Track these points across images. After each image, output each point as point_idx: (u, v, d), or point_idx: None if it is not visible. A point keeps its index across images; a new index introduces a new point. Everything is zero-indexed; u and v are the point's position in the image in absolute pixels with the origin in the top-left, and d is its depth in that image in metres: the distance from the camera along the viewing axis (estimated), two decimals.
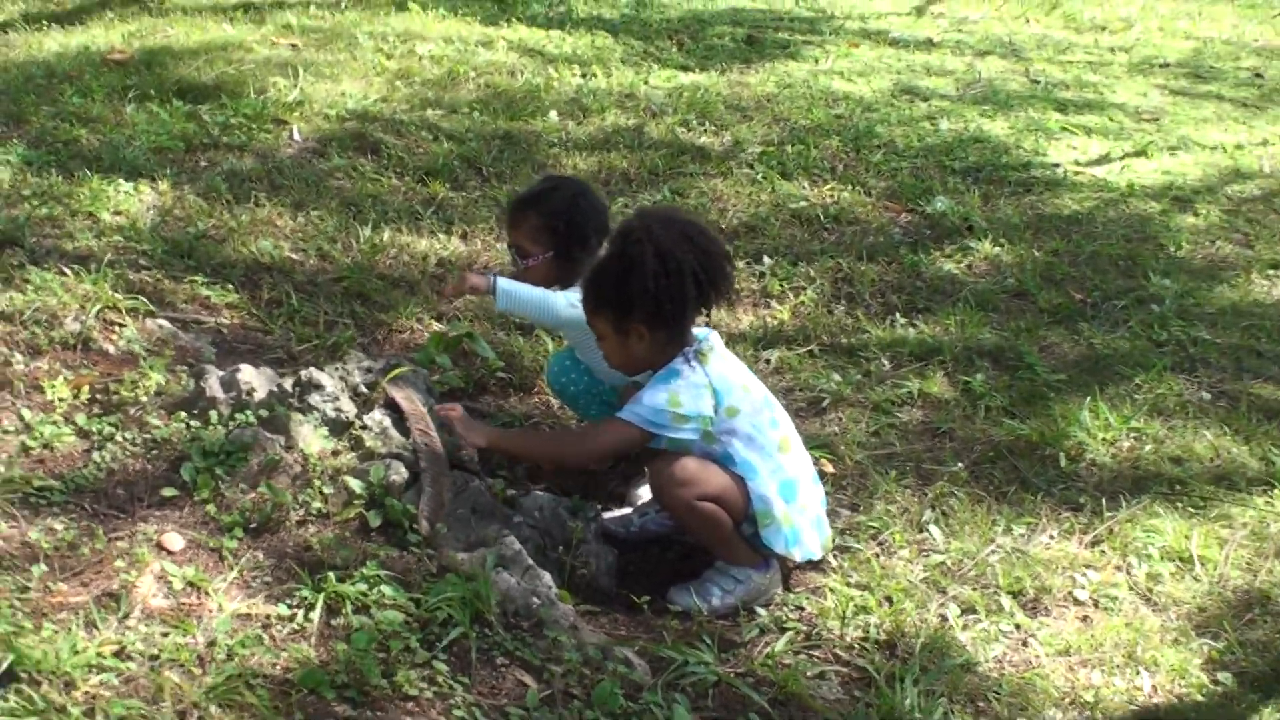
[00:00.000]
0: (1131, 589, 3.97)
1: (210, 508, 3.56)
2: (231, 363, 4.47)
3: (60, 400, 3.93)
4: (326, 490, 3.66)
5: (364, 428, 3.85)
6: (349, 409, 3.91)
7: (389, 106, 7.08)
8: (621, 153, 6.87)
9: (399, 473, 3.70)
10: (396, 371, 4.05)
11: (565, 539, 3.84)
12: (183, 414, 3.89)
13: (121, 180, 5.68)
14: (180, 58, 7.48)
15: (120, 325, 4.49)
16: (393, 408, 3.99)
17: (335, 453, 3.79)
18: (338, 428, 3.86)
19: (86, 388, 4.01)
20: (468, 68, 7.84)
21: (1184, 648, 3.72)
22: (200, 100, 6.83)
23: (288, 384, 3.96)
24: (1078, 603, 3.91)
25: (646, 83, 8.13)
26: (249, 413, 3.84)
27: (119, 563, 3.30)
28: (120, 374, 4.14)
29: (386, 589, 3.34)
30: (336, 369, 4.09)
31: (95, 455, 3.72)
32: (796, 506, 3.78)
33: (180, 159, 6.13)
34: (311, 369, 4.01)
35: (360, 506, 3.64)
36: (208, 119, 6.54)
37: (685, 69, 8.59)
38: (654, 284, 3.57)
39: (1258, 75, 10.65)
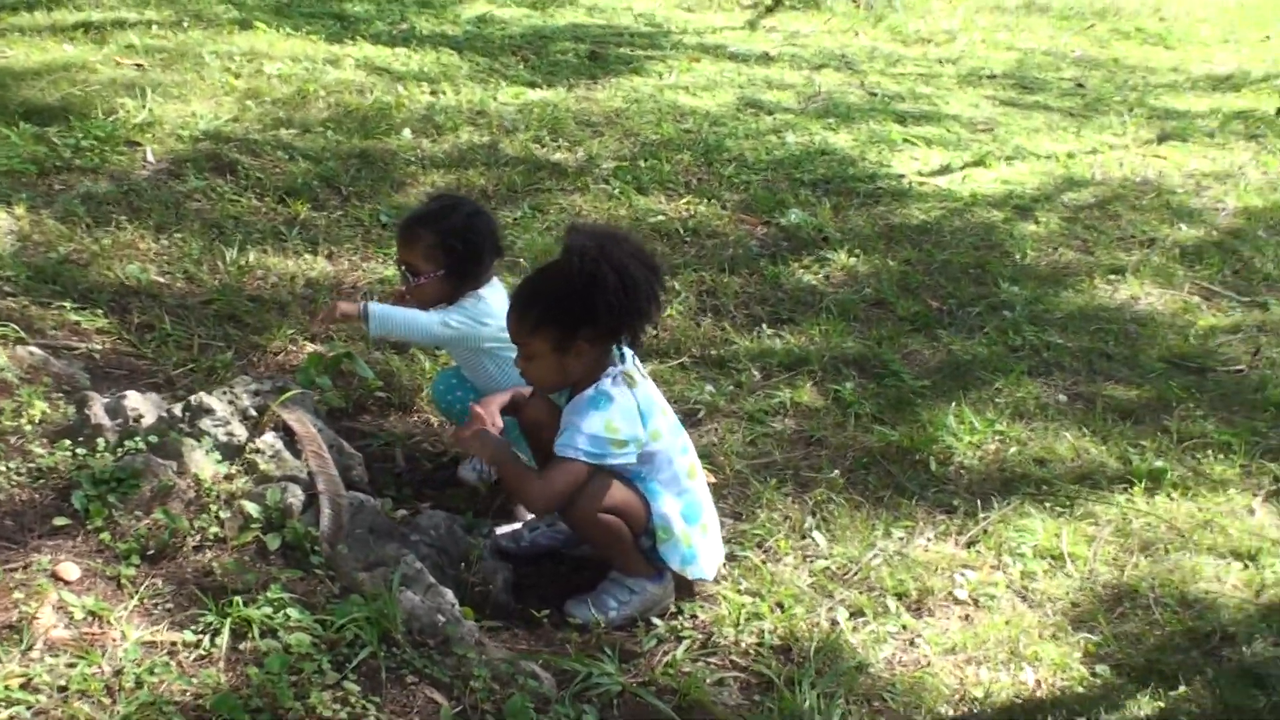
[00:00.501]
0: (1008, 587, 4.12)
1: (105, 536, 3.53)
2: (107, 388, 4.44)
3: None
4: (223, 515, 3.65)
5: (257, 451, 3.85)
6: (240, 433, 3.90)
7: (241, 127, 7.02)
8: (479, 169, 6.91)
9: (295, 495, 3.71)
10: (287, 395, 4.05)
11: (462, 556, 3.88)
12: (67, 442, 3.84)
13: None
14: (22, 78, 7.33)
15: None
16: (284, 430, 3.99)
17: (229, 477, 3.78)
18: (230, 452, 3.85)
19: None
20: (317, 86, 7.81)
21: (1063, 642, 3.87)
22: (47, 122, 6.70)
23: (177, 409, 3.93)
24: (958, 602, 4.05)
25: (495, 99, 8.17)
26: (138, 439, 3.81)
27: (16, 594, 3.27)
28: None
29: (292, 611, 3.35)
30: (224, 393, 4.07)
31: None
32: (697, 528, 3.86)
33: (33, 182, 6.02)
34: (201, 394, 3.99)
35: (258, 530, 3.63)
36: (58, 141, 6.43)
37: (533, 85, 8.64)
38: (615, 300, 3.57)
39: (1079, 85, 11.04)
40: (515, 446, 4.00)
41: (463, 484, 4.47)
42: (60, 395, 4.21)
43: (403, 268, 4.33)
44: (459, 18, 10.42)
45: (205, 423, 3.88)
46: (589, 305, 3.61)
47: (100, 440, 3.82)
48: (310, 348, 5.04)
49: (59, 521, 3.55)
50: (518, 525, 4.23)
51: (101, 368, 4.65)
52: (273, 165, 6.59)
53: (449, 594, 3.59)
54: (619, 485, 3.72)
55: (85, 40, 8.22)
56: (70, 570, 3.42)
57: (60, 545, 3.50)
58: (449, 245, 4.22)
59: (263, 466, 3.79)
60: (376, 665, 3.25)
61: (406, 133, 7.28)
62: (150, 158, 6.49)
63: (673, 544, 3.79)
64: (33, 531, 3.55)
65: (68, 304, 4.91)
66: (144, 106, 7.03)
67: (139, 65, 7.78)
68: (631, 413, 3.71)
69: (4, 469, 3.73)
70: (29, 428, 3.90)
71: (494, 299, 4.34)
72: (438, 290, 4.27)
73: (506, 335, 4.29)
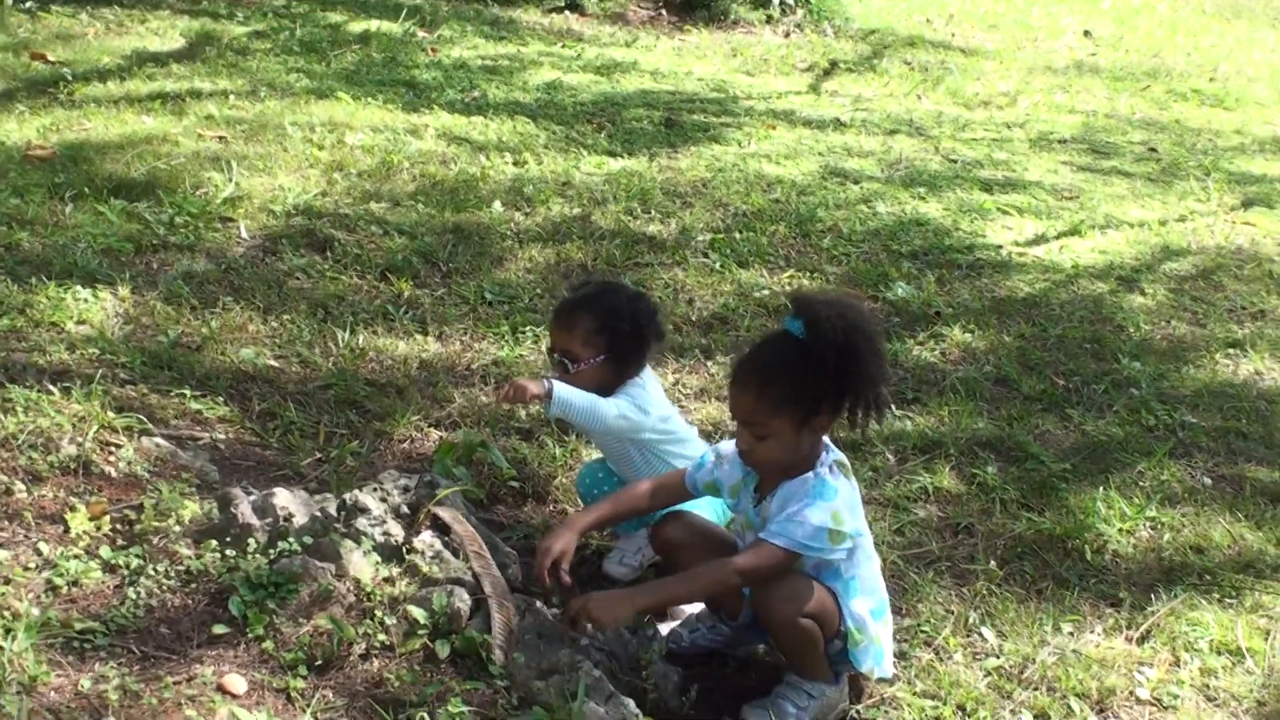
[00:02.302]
0: (1190, 685, 3.94)
1: (267, 644, 3.38)
2: (236, 481, 4.29)
3: (83, 533, 3.70)
4: (387, 621, 3.49)
5: (416, 552, 3.68)
6: (396, 532, 3.74)
7: (330, 201, 6.90)
8: (575, 243, 6.77)
9: (462, 600, 3.54)
10: (445, 492, 3.88)
11: (632, 660, 3.70)
12: (214, 543, 3.69)
13: (78, 287, 5.43)
14: (105, 152, 7.22)
15: (117, 446, 4.26)
16: (439, 528, 3.83)
17: (390, 580, 3.61)
18: (388, 552, 3.69)
19: (106, 518, 3.79)
20: (400, 157, 7.69)
21: None
22: (135, 198, 6.58)
23: (331, 508, 3.77)
24: (1140, 702, 3.87)
25: (579, 169, 8.05)
26: (291, 540, 3.65)
27: (190, 712, 3.11)
28: (129, 498, 3.93)
29: None
30: (374, 489, 3.90)
31: (130, 592, 3.52)
32: (883, 624, 3.70)
33: (130, 261, 5.89)
34: (355, 492, 3.83)
35: (424, 636, 3.48)
36: (150, 218, 6.30)
37: (612, 154, 8.52)
38: (870, 370, 3.43)
39: (1152, 150, 10.91)
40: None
41: (611, 579, 4.29)
42: (193, 491, 4.05)
43: (556, 355, 4.17)
44: (527, 84, 10.33)
45: (361, 522, 3.72)
46: (840, 377, 3.43)
47: (250, 541, 3.68)
48: (435, 435, 4.88)
49: (218, 630, 3.41)
50: (675, 624, 4.05)
51: (227, 459, 4.50)
52: (368, 241, 6.45)
53: (630, 704, 3.42)
54: (818, 587, 3.55)
55: (163, 111, 8.11)
56: (237, 683, 3.27)
57: (222, 655, 3.35)
58: (612, 329, 4.06)
59: (424, 568, 3.63)
60: None
61: (497, 205, 7.14)
62: (244, 234, 6.36)
63: (865, 647, 3.62)
64: (190, 640, 3.40)
65: (187, 391, 4.76)
66: (230, 180, 6.91)
67: (221, 138, 7.67)
68: (855, 505, 3.57)
69: (153, 573, 3.59)
70: (177, 528, 3.74)
71: (653, 387, 4.19)
72: (596, 378, 4.12)
73: (665, 426, 4.16)
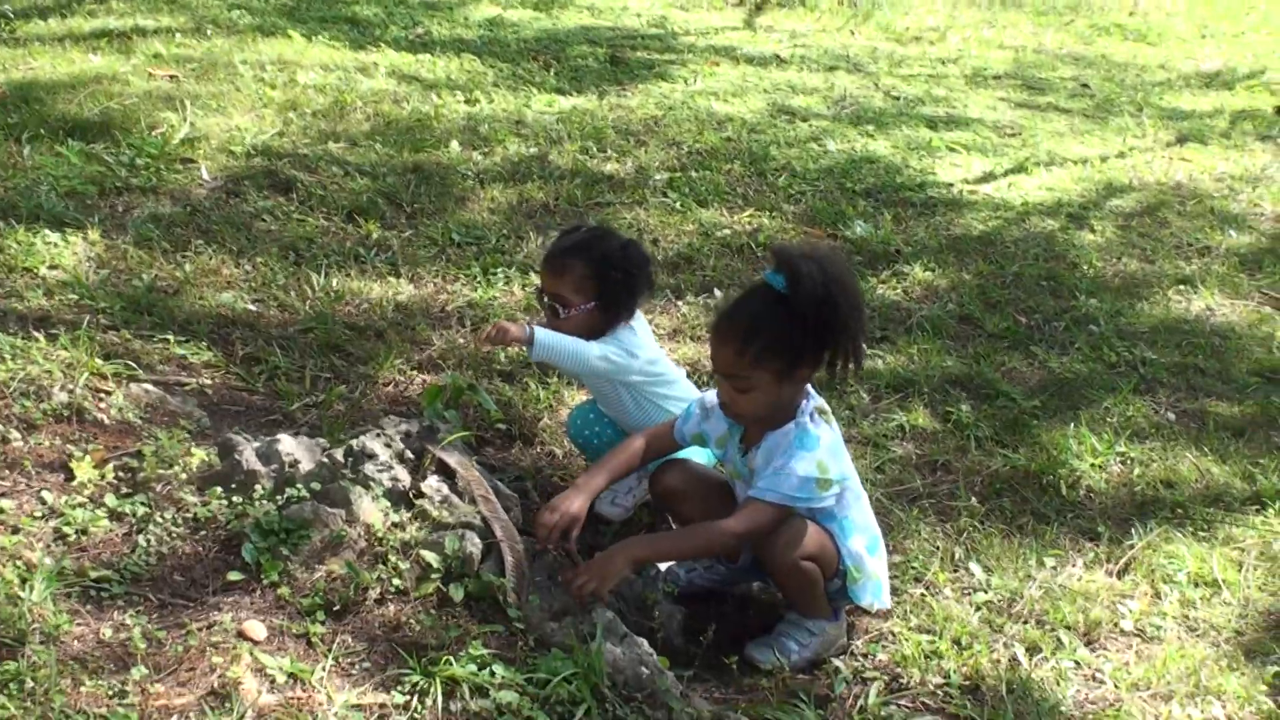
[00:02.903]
0: (1171, 617, 4.07)
1: (283, 590, 3.41)
2: (223, 426, 4.31)
3: (87, 481, 3.71)
4: (401, 565, 3.53)
5: (424, 497, 3.73)
6: (404, 478, 3.78)
7: (288, 141, 6.86)
8: (535, 183, 6.79)
9: (474, 544, 3.59)
10: (451, 438, 3.93)
11: (637, 600, 3.78)
12: (219, 490, 3.71)
13: (46, 230, 5.38)
14: (55, 92, 7.12)
15: (106, 392, 4.26)
16: (443, 472, 3.88)
17: (400, 525, 3.65)
18: (395, 498, 3.72)
19: (109, 466, 3.80)
20: (353, 96, 7.65)
21: (1240, 674, 3.82)
22: (91, 139, 6.51)
23: (338, 454, 3.80)
24: (1125, 633, 3.99)
25: (530, 107, 8.05)
26: (299, 486, 3.68)
27: (215, 659, 3.14)
28: (125, 445, 3.94)
29: (497, 668, 3.24)
30: (377, 435, 3.93)
31: (140, 540, 3.53)
32: (879, 558, 3.79)
33: (95, 204, 5.84)
34: (361, 437, 3.86)
35: (438, 580, 3.52)
36: (110, 160, 6.24)
37: (561, 92, 8.53)
38: (849, 322, 3.46)
39: (1084, 86, 11.06)
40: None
41: (604, 520, 4.35)
42: (188, 437, 4.06)
43: (545, 299, 4.20)
44: (469, 20, 10.28)
45: (368, 468, 3.75)
46: (822, 330, 3.46)
47: (257, 488, 3.69)
48: (419, 378, 4.91)
49: (233, 576, 3.44)
50: (671, 564, 4.13)
51: (215, 404, 4.51)
52: (330, 181, 6.43)
53: (644, 644, 3.49)
54: (814, 529, 3.63)
55: (110, 50, 8.01)
56: (257, 629, 3.31)
57: (238, 602, 3.38)
58: (604, 275, 4.09)
59: (434, 513, 3.67)
60: None
61: (455, 145, 7.14)
62: (206, 175, 6.32)
63: (863, 583, 3.72)
64: (205, 587, 3.43)
65: (170, 337, 4.75)
66: (185, 120, 6.84)
67: (172, 76, 7.59)
68: (839, 450, 3.64)
69: (161, 520, 3.61)
70: (181, 475, 3.75)
71: (643, 331, 4.24)
72: (586, 323, 4.15)
73: (654, 369, 4.22)
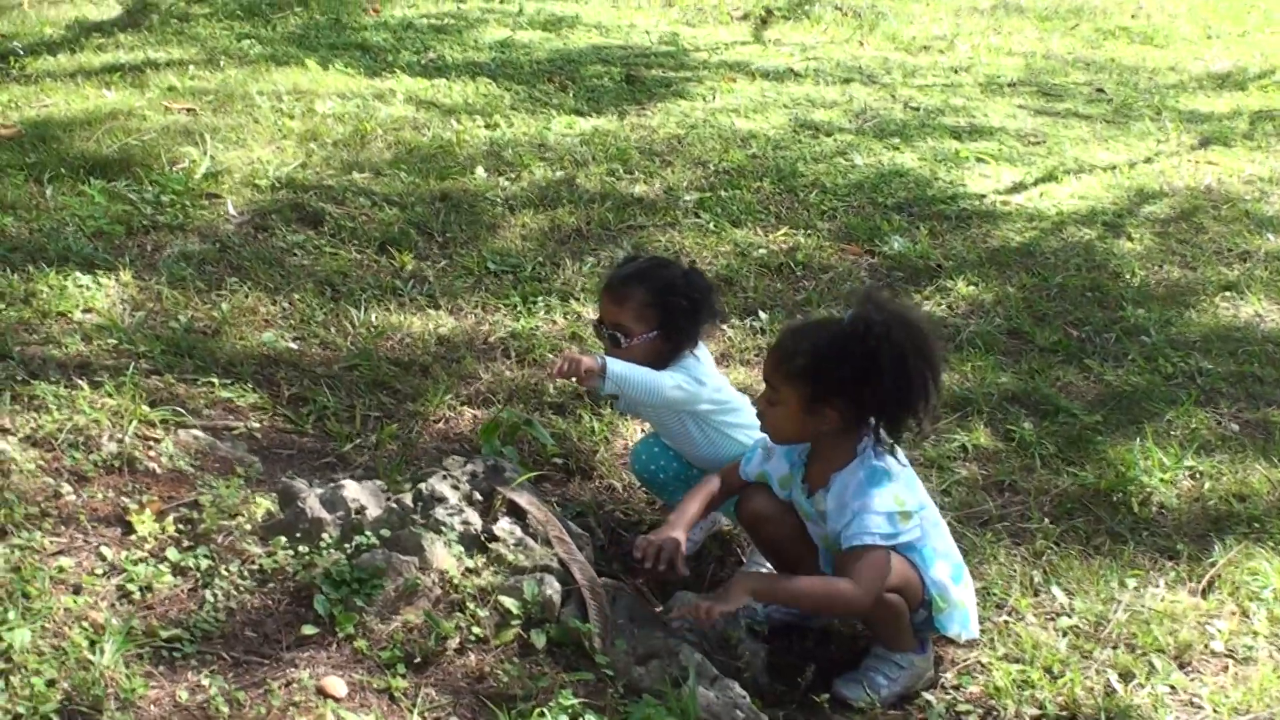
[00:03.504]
0: (1262, 636, 3.96)
1: (360, 644, 3.30)
2: (280, 470, 4.20)
3: (148, 535, 3.59)
4: (480, 613, 3.42)
5: (497, 540, 3.61)
6: (475, 521, 3.66)
7: (311, 173, 6.75)
8: (566, 208, 6.68)
9: (553, 587, 3.48)
10: (522, 478, 3.81)
11: (719, 639, 3.66)
12: (283, 539, 3.60)
13: (77, 273, 5.26)
14: (71, 130, 7.01)
15: (155, 440, 4.15)
16: (514, 514, 3.76)
17: (473, 570, 3.53)
18: (468, 542, 3.60)
19: (170, 518, 3.68)
20: (373, 124, 7.55)
21: None
22: (113, 176, 6.40)
23: (407, 499, 3.68)
24: (1215, 655, 3.89)
25: (550, 129, 7.94)
26: (368, 534, 3.56)
27: (300, 719, 3.02)
28: (180, 495, 3.83)
29: (590, 718, 3.13)
30: (443, 476, 3.81)
31: (206, 594, 3.42)
32: (963, 586, 3.68)
33: (124, 244, 5.72)
34: (431, 480, 3.74)
35: (518, 627, 3.41)
36: (135, 198, 6.13)
37: (580, 114, 8.43)
38: (887, 386, 3.41)
39: (1100, 91, 10.95)
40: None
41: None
42: (244, 484, 3.94)
43: (605, 329, 4.08)
44: (479, 43, 10.18)
45: (439, 512, 3.64)
46: (855, 380, 3.42)
47: (324, 536, 3.58)
48: (469, 413, 4.79)
49: (307, 630, 3.33)
50: (749, 600, 4.00)
51: (266, 448, 4.39)
52: (359, 213, 6.32)
53: (735, 686, 3.38)
54: (898, 560, 3.53)
55: (123, 84, 7.91)
56: (337, 685, 3.20)
57: (314, 657, 3.27)
58: (666, 303, 3.97)
59: (509, 557, 3.56)
60: None
61: (480, 170, 7.03)
62: (233, 210, 6.21)
63: (950, 613, 3.62)
64: (279, 643, 3.32)
65: (215, 380, 4.63)
66: (206, 154, 6.73)
67: (189, 110, 7.48)
68: (912, 480, 3.58)
69: (226, 574, 3.49)
70: (246, 526, 3.63)
71: (706, 359, 4.13)
72: (648, 353, 4.03)
73: (720, 397, 4.10)
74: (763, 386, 3.66)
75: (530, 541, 3.64)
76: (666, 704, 3.20)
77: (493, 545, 3.59)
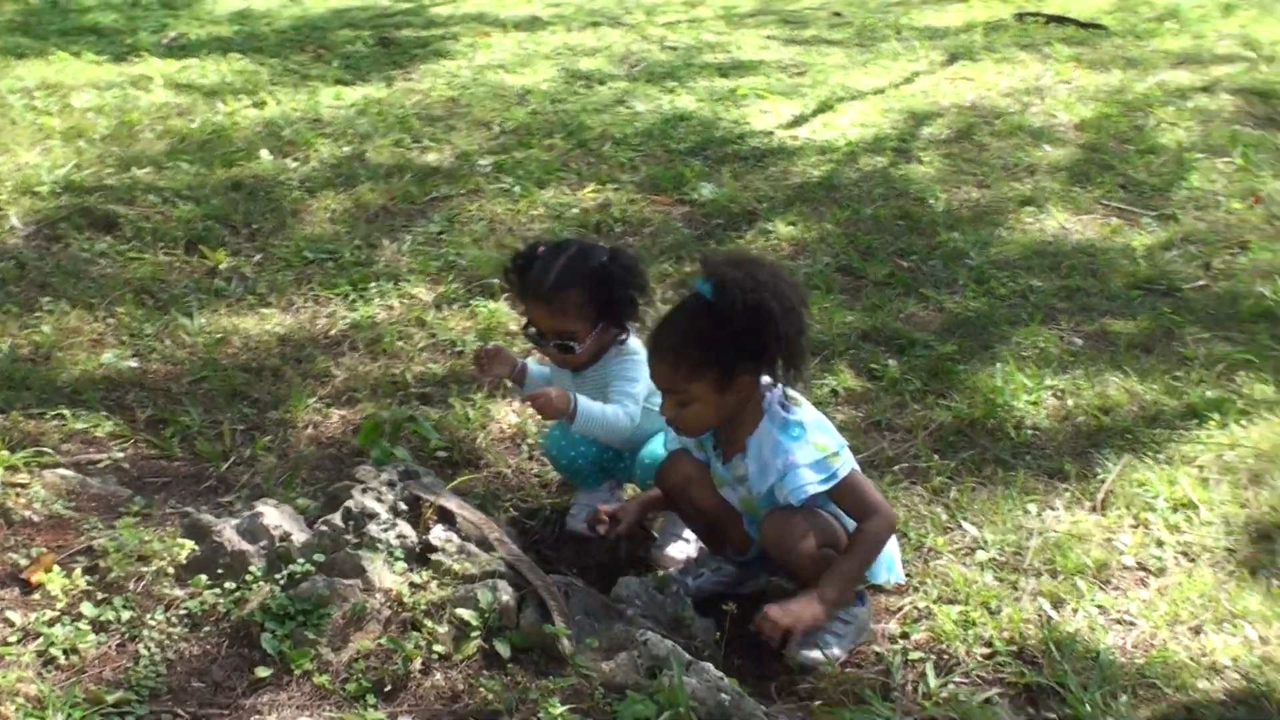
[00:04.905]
0: (1167, 546, 4.08)
1: (322, 679, 3.13)
2: (164, 502, 3.95)
3: (59, 592, 3.34)
4: (438, 629, 3.28)
5: (437, 550, 3.47)
6: (409, 533, 3.51)
7: (89, 174, 6.38)
8: (365, 185, 6.47)
9: (507, 592, 3.36)
10: (461, 480, 3.67)
11: (672, 620, 3.59)
12: (203, 578, 3.38)
13: None
14: None
15: (22, 485, 3.85)
16: (443, 520, 3.62)
17: (419, 585, 3.39)
18: (408, 556, 3.45)
19: (77, 571, 3.42)
20: (137, 115, 7.18)
21: (1254, 593, 3.85)
22: None
23: (336, 519, 3.51)
24: (1128, 569, 3.99)
25: (320, 102, 7.67)
26: (301, 561, 3.38)
27: None
28: (69, 543, 3.57)
29: None
30: (363, 489, 3.64)
31: (139, 649, 3.19)
32: None
33: None
34: (357, 497, 3.57)
35: (478, 638, 3.28)
36: None
37: (344, 83, 8.19)
38: (783, 328, 3.35)
39: (837, 14, 11.15)
40: None
41: (576, 536, 4.15)
42: (134, 521, 3.69)
43: (550, 340, 3.90)
44: (214, 15, 9.76)
45: (372, 529, 3.47)
46: (755, 339, 3.38)
47: (251, 569, 3.38)
48: (336, 414, 4.60)
49: (261, 672, 3.13)
50: (671, 572, 3.96)
51: (137, 479, 4.14)
52: (154, 212, 6.00)
53: (710, 667, 3.32)
54: (824, 516, 3.55)
55: None
56: None
57: (275, 700, 3.10)
58: (602, 294, 3.85)
59: (455, 566, 3.42)
60: None
61: (264, 154, 6.75)
62: (16, 222, 5.82)
63: (878, 559, 3.64)
64: (233, 690, 3.13)
65: (65, 411, 4.34)
66: None
67: None
68: (824, 424, 3.57)
69: (152, 623, 3.26)
70: (158, 568, 3.41)
71: (634, 341, 4.03)
72: (599, 343, 3.94)
73: (650, 383, 4.01)
74: None
75: (471, 547, 3.50)
76: (654, 697, 3.12)
77: (434, 556, 3.45)
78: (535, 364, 4.08)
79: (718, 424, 3.60)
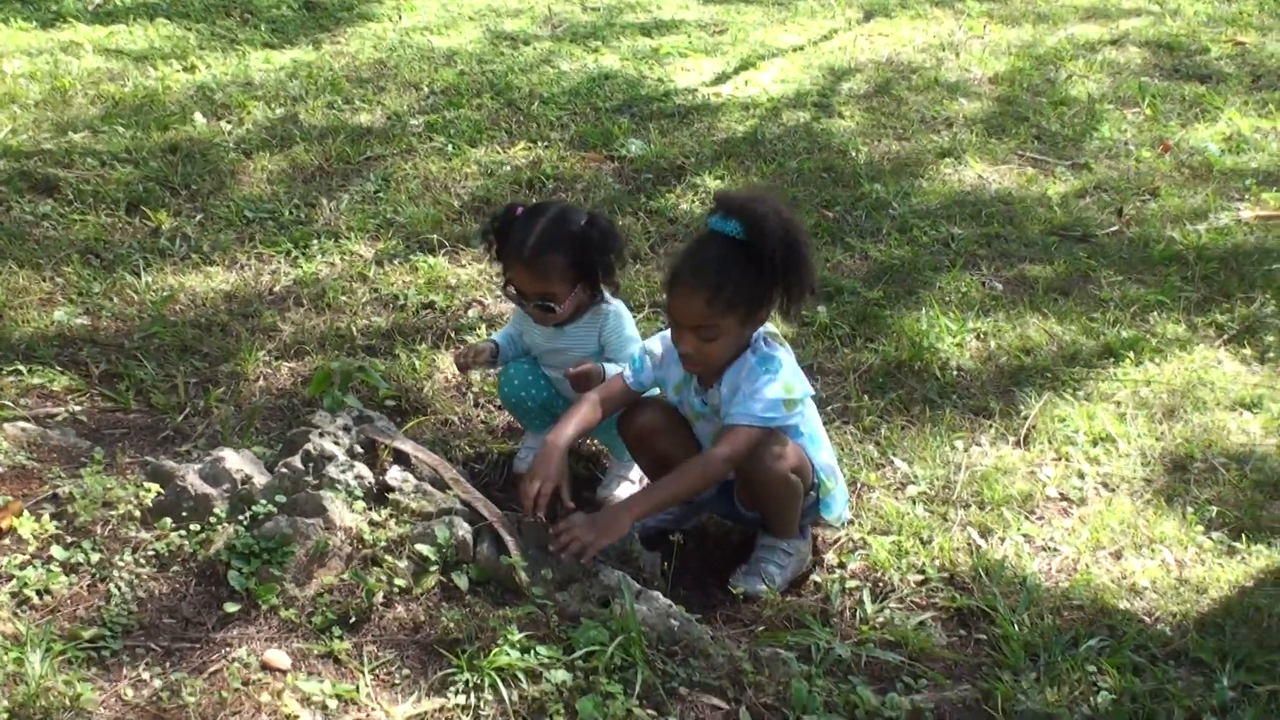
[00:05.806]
0: (1088, 477, 4.30)
1: (289, 613, 3.28)
2: (123, 453, 4.06)
3: (30, 536, 3.46)
4: (399, 564, 3.44)
5: (394, 490, 3.62)
6: (367, 474, 3.66)
7: (26, 138, 6.42)
8: (300, 147, 6.56)
9: (464, 528, 3.52)
10: (407, 427, 3.82)
11: (620, 553, 3.76)
12: (168, 521, 3.51)
13: None
14: None
15: None
16: (400, 462, 3.77)
17: (378, 523, 3.54)
18: (367, 497, 3.61)
19: (45, 516, 3.55)
20: (69, 80, 7.21)
21: (1170, 519, 4.09)
22: None
23: (296, 461, 3.65)
24: (1051, 500, 4.21)
25: (250, 65, 7.75)
26: (263, 502, 3.52)
27: (263, 695, 3.01)
28: (35, 491, 3.69)
29: (541, 650, 3.21)
30: (321, 434, 3.79)
31: (110, 589, 3.32)
32: (840, 472, 3.90)
33: None
34: (315, 440, 3.71)
35: (437, 572, 3.45)
36: None
37: (272, 46, 8.24)
38: (808, 257, 3.52)
39: None
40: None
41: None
42: (100, 469, 3.81)
43: (532, 301, 4.04)
44: None
45: (331, 470, 3.61)
46: (785, 270, 3.50)
47: (215, 511, 3.52)
48: (286, 365, 4.73)
49: (230, 608, 3.27)
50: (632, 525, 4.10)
51: (95, 430, 4.25)
52: (93, 175, 6.06)
53: (659, 596, 3.50)
54: (793, 446, 3.70)
55: None
56: (279, 658, 3.18)
57: (245, 633, 3.24)
58: (583, 257, 3.99)
59: (412, 505, 3.57)
60: (653, 684, 3.16)
61: (199, 117, 6.82)
62: None
63: (833, 496, 3.83)
64: (203, 625, 3.27)
65: (20, 367, 4.44)
66: None
67: None
68: (798, 370, 3.71)
69: (122, 564, 3.39)
70: (124, 511, 3.53)
71: (622, 307, 4.20)
72: (574, 304, 4.09)
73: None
74: None
75: (427, 486, 3.66)
76: (610, 625, 3.30)
77: (391, 496, 3.60)
78: (502, 336, 4.23)
79: (732, 357, 3.69)
